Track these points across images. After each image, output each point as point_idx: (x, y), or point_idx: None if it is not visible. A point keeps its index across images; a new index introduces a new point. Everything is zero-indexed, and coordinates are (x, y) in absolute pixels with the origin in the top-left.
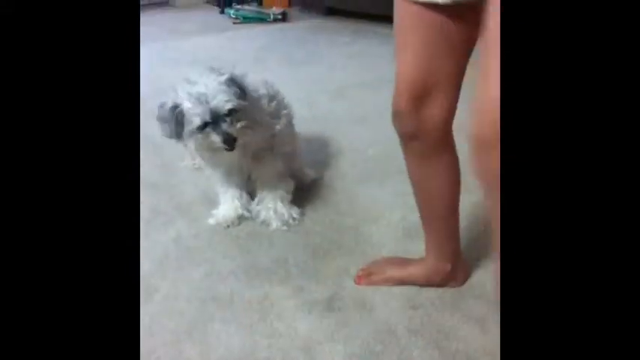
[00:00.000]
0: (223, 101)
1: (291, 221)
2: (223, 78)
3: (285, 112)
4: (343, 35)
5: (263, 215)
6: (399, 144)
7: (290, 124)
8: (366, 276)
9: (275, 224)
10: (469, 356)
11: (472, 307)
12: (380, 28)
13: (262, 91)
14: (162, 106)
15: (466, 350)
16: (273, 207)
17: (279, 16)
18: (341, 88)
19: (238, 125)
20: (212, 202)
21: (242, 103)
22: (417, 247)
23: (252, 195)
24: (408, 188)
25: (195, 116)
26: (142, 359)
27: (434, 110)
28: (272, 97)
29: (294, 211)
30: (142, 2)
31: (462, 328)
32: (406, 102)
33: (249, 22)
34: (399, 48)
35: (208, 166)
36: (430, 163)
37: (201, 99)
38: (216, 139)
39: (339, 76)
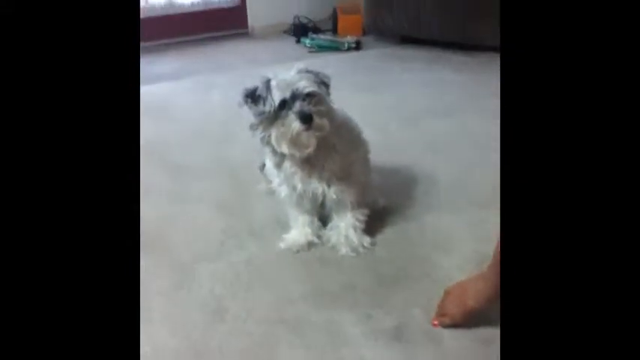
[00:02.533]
0: (304, 84)
1: (360, 249)
2: (308, 70)
3: (362, 147)
4: (416, 63)
5: (333, 240)
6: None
7: (366, 158)
8: (440, 317)
9: (344, 250)
10: None
11: None
12: (453, 56)
13: (342, 120)
14: (251, 88)
15: None
16: (344, 233)
17: (354, 45)
18: (414, 116)
19: (315, 107)
20: (284, 226)
21: (321, 91)
22: None
23: (323, 221)
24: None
25: (276, 93)
26: None
27: None
28: (351, 129)
29: (365, 240)
30: (222, 33)
31: None
32: None
33: (324, 50)
34: None
35: (283, 186)
36: None
37: (284, 82)
38: (292, 118)
39: (412, 103)
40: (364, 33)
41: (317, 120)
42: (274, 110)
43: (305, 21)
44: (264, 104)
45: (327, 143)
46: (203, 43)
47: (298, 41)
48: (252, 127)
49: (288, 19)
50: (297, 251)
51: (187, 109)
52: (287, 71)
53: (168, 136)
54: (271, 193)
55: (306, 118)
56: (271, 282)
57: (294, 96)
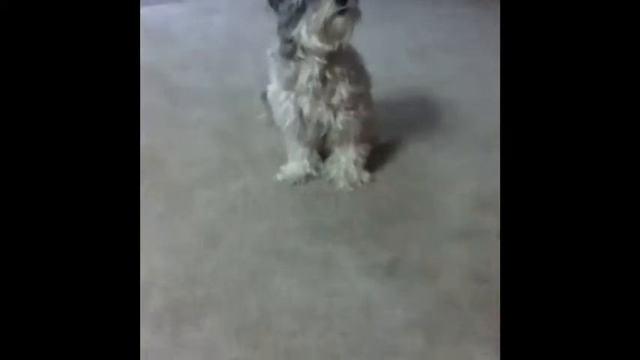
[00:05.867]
0: None
1: (359, 184)
2: None
3: (366, 80)
4: None
5: (332, 174)
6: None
7: (368, 92)
8: None
9: (342, 184)
10: None
11: None
12: None
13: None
14: None
15: None
16: (344, 167)
17: None
18: (422, 50)
19: None
20: (282, 158)
21: None
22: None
23: (322, 154)
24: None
25: None
26: (203, 304)
27: None
28: (357, 59)
29: (365, 176)
30: None
31: None
32: None
33: None
34: None
35: (288, 109)
36: None
37: None
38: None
39: (421, 36)
40: None
41: (352, 2)
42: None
43: None
44: (283, 2)
45: (340, 67)
46: None
47: None
48: (281, 28)
49: None
50: (295, 183)
51: (188, 32)
52: None
53: (167, 60)
54: (271, 123)
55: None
56: (267, 212)
57: None
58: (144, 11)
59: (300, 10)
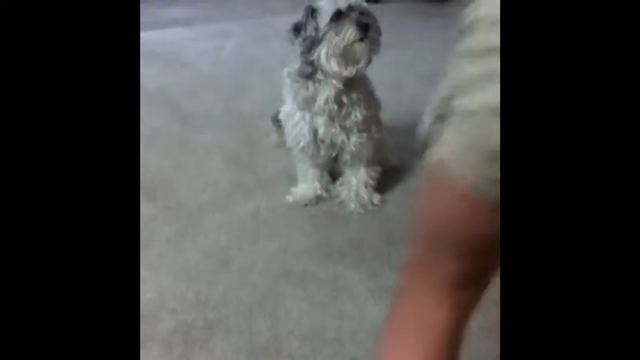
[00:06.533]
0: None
1: (370, 206)
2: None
3: (377, 104)
4: (437, 19)
5: (343, 196)
6: None
7: (377, 115)
8: None
9: (353, 206)
10: None
11: None
12: None
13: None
14: (296, 22)
15: None
16: (355, 189)
17: None
18: (430, 74)
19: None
20: (292, 180)
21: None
22: None
23: (332, 176)
24: None
25: (329, 8)
26: (213, 327)
27: None
28: (368, 84)
29: (375, 198)
30: None
31: None
32: None
33: None
34: None
35: (302, 130)
36: None
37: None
38: (349, 26)
39: (430, 61)
40: None
41: (373, 32)
42: (320, 29)
43: None
44: (306, 29)
45: (356, 92)
46: None
47: None
48: (303, 51)
49: None
50: (305, 205)
51: (199, 56)
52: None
53: (178, 83)
54: (281, 145)
55: (363, 27)
56: (277, 235)
57: (351, 7)
58: (155, 35)
59: (323, 35)
